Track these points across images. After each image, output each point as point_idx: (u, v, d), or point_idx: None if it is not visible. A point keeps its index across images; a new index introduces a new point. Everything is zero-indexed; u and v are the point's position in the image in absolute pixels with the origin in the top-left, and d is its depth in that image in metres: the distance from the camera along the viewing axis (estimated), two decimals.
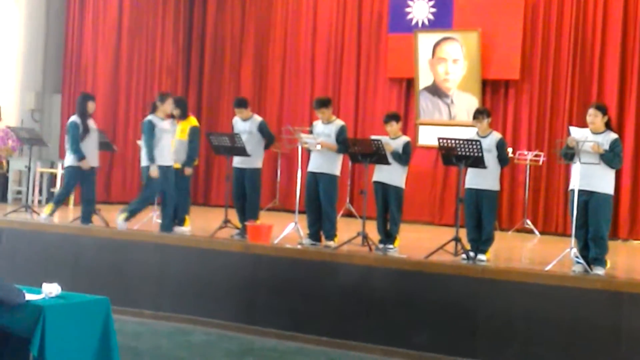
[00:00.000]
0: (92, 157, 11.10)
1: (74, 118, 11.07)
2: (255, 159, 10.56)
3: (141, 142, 10.64)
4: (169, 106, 10.62)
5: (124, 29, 15.48)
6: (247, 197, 10.65)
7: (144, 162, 10.45)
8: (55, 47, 15.02)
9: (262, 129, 10.72)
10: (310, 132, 10.35)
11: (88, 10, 14.84)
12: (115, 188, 15.37)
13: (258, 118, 10.89)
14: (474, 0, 14.01)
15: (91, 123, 11.12)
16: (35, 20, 14.75)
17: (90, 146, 11.05)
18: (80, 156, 10.90)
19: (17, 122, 14.24)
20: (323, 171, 10.14)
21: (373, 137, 10.16)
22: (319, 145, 10.03)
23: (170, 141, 10.54)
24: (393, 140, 10.11)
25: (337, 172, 10.26)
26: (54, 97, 14.98)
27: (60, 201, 11.30)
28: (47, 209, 11.12)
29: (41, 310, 5.79)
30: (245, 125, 10.72)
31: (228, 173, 10.93)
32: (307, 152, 10.53)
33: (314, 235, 10.17)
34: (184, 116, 11.04)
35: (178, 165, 10.89)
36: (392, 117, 10.32)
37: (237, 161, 10.70)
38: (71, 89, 14.71)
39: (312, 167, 10.25)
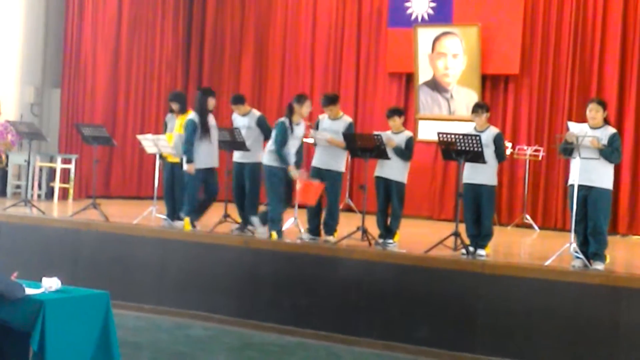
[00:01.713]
0: (212, 158, 10.51)
1: (192, 116, 10.40)
2: (255, 154, 10.55)
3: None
4: (307, 109, 10.07)
5: (124, 24, 15.46)
6: (246, 191, 10.64)
7: (267, 161, 9.99)
8: (54, 42, 14.99)
9: (261, 124, 10.71)
10: (316, 126, 10.34)
11: (87, 4, 14.81)
12: (115, 182, 15.36)
13: (256, 113, 10.88)
14: None
15: (211, 120, 10.49)
16: (34, 15, 14.73)
17: (210, 146, 10.43)
18: (189, 159, 10.28)
19: (17, 116, 14.23)
20: (329, 168, 10.14)
21: (379, 132, 10.14)
22: (325, 134, 10.02)
23: (295, 145, 10.03)
24: (395, 135, 10.12)
25: (343, 168, 10.28)
26: (54, 91, 14.96)
27: (193, 210, 10.49)
28: (185, 224, 10.32)
29: (41, 305, 5.81)
30: (244, 121, 10.72)
31: (228, 168, 10.92)
32: (313, 147, 10.52)
33: (314, 230, 10.18)
34: (183, 111, 11.01)
35: (177, 160, 10.88)
36: (395, 111, 10.32)
37: (237, 156, 10.69)
38: (70, 83, 14.69)
39: (317, 162, 10.23)
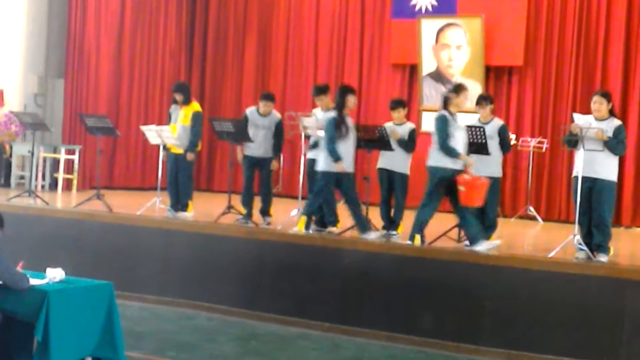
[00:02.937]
0: (349, 160, 9.63)
1: (332, 113, 9.66)
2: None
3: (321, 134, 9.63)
4: (464, 100, 9.27)
5: (127, 13, 15.44)
6: (261, 184, 10.65)
7: (433, 162, 9.10)
8: (58, 32, 14.98)
9: (278, 128, 10.66)
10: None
11: None
12: (119, 173, 15.37)
13: (277, 115, 10.80)
14: None
15: (349, 121, 9.68)
16: (38, 5, 14.72)
17: (347, 148, 9.61)
18: (336, 157, 9.47)
19: (20, 106, 14.23)
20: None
21: (386, 124, 10.11)
22: (322, 131, 9.99)
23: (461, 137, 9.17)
24: (399, 126, 10.11)
25: None
26: (57, 81, 14.96)
27: (312, 212, 9.85)
28: (300, 224, 9.70)
29: (45, 295, 5.83)
30: (264, 121, 10.64)
31: (231, 159, 10.91)
32: (307, 139, 10.50)
33: (319, 221, 10.17)
34: (187, 101, 11.01)
35: (181, 151, 10.87)
36: (399, 103, 10.31)
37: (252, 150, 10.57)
38: (74, 74, 14.68)
39: (312, 154, 10.23)
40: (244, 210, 10.67)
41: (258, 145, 10.57)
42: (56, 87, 14.97)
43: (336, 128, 9.46)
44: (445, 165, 8.91)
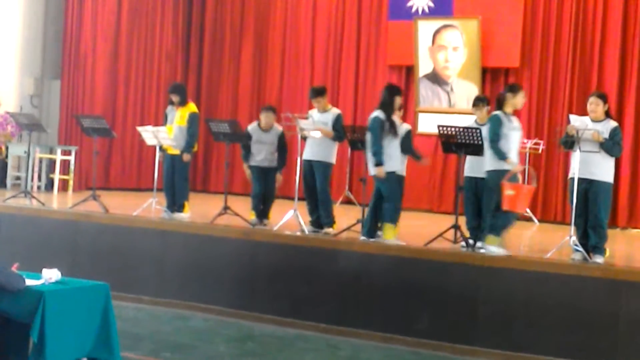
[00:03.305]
0: (396, 162, 9.38)
1: (377, 113, 9.28)
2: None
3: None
4: (521, 99, 8.98)
5: (124, 15, 15.44)
6: (266, 188, 10.65)
7: (490, 166, 8.79)
8: (54, 33, 14.97)
9: (281, 141, 10.65)
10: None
11: None
12: (115, 173, 15.37)
13: (278, 129, 10.72)
14: None
15: (397, 120, 9.42)
16: (34, 6, 14.71)
17: (397, 149, 9.37)
18: (378, 161, 9.18)
19: (16, 107, 14.22)
20: (318, 159, 10.14)
21: None
22: (317, 132, 10.00)
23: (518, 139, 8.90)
24: None
25: (333, 160, 10.25)
26: (53, 82, 14.95)
27: (397, 218, 9.43)
28: (388, 234, 9.27)
29: (41, 296, 5.82)
30: (267, 137, 10.60)
31: (227, 160, 10.91)
32: (304, 140, 10.50)
33: (316, 222, 10.18)
34: (183, 102, 11.00)
35: (177, 152, 10.87)
36: None
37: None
38: (70, 75, 14.68)
39: (308, 155, 10.24)
40: (252, 214, 10.62)
41: (263, 158, 10.62)
42: (52, 88, 14.96)
43: (382, 129, 9.15)
44: (502, 167, 8.64)
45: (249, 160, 10.71)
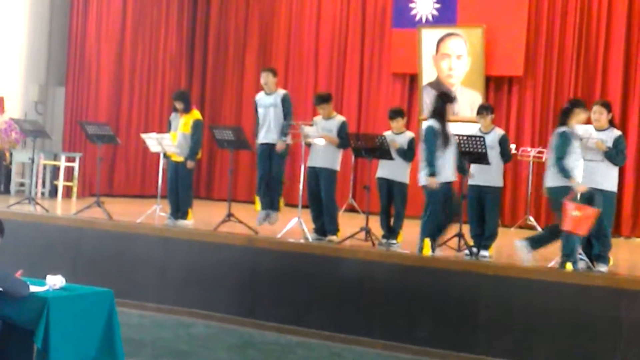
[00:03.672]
0: (453, 170, 9.11)
1: (431, 122, 9.00)
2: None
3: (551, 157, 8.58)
4: (584, 115, 8.66)
5: (128, 21, 15.49)
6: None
7: (552, 182, 8.54)
8: (59, 40, 15.02)
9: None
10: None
11: (92, 2, 14.84)
12: (119, 180, 15.39)
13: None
14: None
15: (450, 129, 9.13)
16: (39, 13, 14.76)
17: (451, 158, 9.05)
18: (432, 171, 8.84)
19: (21, 114, 14.25)
20: (323, 166, 10.13)
21: (385, 133, 10.10)
22: (321, 139, 9.99)
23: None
24: (398, 135, 10.13)
25: (337, 167, 10.24)
26: (58, 89, 14.99)
27: (437, 232, 9.09)
28: (425, 247, 8.89)
29: (45, 302, 5.82)
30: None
31: (231, 167, 10.93)
32: (309, 148, 10.52)
33: (320, 230, 10.18)
34: (187, 109, 11.02)
35: (181, 159, 10.89)
36: (398, 113, 10.33)
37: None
38: (75, 82, 14.72)
39: (312, 162, 10.24)
40: (258, 205, 10.52)
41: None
42: (57, 94, 15.00)
43: (437, 138, 8.86)
44: (565, 183, 8.35)
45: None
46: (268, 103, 10.37)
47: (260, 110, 10.45)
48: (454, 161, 9.01)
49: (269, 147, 10.36)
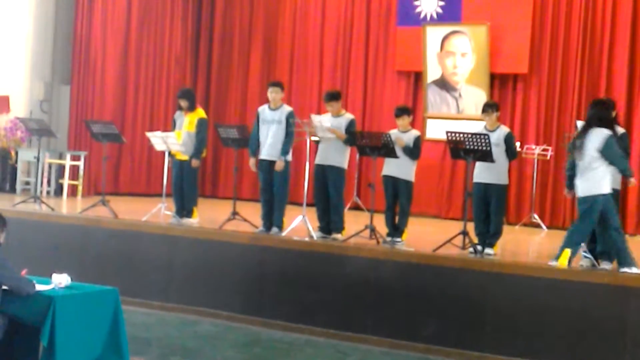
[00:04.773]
0: (616, 181, 8.66)
1: (607, 132, 8.22)
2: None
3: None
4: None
5: (133, 20, 15.50)
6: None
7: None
8: (64, 38, 15.04)
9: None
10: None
11: (97, 0, 14.84)
12: (124, 179, 15.41)
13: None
14: None
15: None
16: (44, 11, 14.77)
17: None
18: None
19: (26, 113, 14.27)
20: (331, 163, 10.14)
21: (390, 131, 10.10)
22: (328, 132, 9.95)
23: None
24: (403, 133, 10.13)
25: (345, 164, 10.24)
26: (63, 87, 15.01)
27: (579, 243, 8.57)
28: (562, 259, 8.32)
29: (51, 301, 5.85)
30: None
31: (236, 165, 10.94)
32: (315, 145, 10.51)
33: (325, 228, 10.18)
34: (192, 108, 11.04)
35: (186, 157, 10.91)
36: (404, 110, 10.33)
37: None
38: (80, 80, 14.73)
39: (320, 159, 10.24)
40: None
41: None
42: (62, 93, 15.02)
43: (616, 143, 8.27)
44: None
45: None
46: (271, 118, 10.25)
47: (263, 127, 10.27)
48: (614, 170, 8.41)
49: (270, 164, 10.23)
